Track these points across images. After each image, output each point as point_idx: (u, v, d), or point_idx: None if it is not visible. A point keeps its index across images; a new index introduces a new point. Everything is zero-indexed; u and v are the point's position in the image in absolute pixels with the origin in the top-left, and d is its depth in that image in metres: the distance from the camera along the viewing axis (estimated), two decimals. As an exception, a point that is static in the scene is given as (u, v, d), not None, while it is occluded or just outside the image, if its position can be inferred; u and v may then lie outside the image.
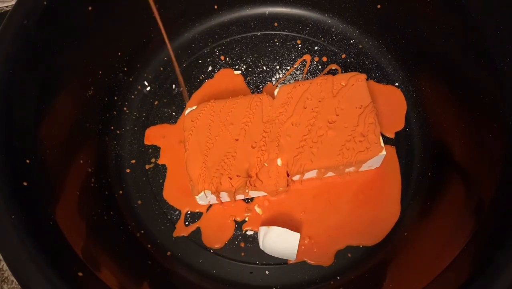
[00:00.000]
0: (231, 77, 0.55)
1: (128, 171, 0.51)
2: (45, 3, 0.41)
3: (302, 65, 0.55)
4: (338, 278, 0.45)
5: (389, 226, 0.46)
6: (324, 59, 0.55)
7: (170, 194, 0.49)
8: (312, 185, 0.48)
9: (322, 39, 0.57)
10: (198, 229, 0.47)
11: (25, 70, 0.39)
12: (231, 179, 0.44)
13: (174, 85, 0.55)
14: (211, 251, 0.46)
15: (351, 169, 0.47)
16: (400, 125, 0.51)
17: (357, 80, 0.47)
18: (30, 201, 0.35)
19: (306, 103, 0.47)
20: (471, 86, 0.43)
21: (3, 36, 0.39)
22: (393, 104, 0.52)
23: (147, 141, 0.52)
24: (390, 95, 0.53)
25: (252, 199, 0.48)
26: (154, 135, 0.52)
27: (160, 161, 0.51)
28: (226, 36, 0.58)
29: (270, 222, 0.47)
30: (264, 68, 0.55)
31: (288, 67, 0.55)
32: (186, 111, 0.47)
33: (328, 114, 0.46)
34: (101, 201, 0.46)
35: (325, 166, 0.45)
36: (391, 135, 0.51)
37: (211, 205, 0.48)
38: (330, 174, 0.47)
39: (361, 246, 0.46)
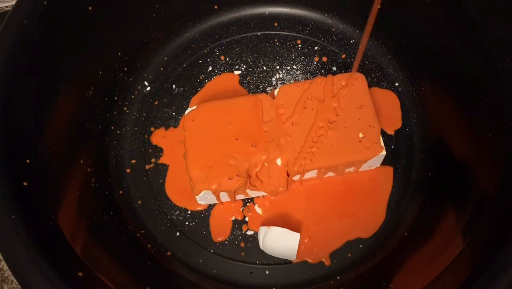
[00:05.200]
0: (231, 78, 0.55)
1: (128, 171, 0.51)
2: (45, 3, 0.41)
3: (302, 65, 0.55)
4: (338, 278, 0.45)
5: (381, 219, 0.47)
6: (324, 59, 0.55)
7: (171, 194, 0.49)
8: (312, 185, 0.48)
9: (322, 39, 0.57)
10: (198, 228, 0.47)
11: (25, 70, 0.39)
12: (231, 179, 0.44)
13: (174, 85, 0.55)
14: (211, 251, 0.46)
15: (351, 169, 0.47)
16: (398, 124, 0.51)
17: (357, 80, 0.47)
18: (30, 201, 0.35)
19: (306, 103, 0.47)
20: (471, 86, 0.43)
21: (3, 36, 0.39)
22: (388, 104, 0.52)
23: (152, 138, 0.52)
24: (385, 96, 0.53)
25: (252, 199, 0.48)
26: (156, 135, 0.52)
27: (161, 161, 0.51)
28: (226, 36, 0.58)
29: (270, 222, 0.47)
30: (264, 68, 0.55)
31: (288, 67, 0.55)
32: (187, 111, 0.48)
33: (328, 114, 0.46)
34: (101, 201, 0.46)
35: (325, 166, 0.45)
36: (391, 132, 0.51)
37: (211, 205, 0.48)
38: (330, 174, 0.47)
39: (361, 246, 0.46)
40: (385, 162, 0.48)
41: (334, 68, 0.55)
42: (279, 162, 0.45)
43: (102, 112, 0.51)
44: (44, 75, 0.41)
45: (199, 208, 0.48)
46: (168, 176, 0.50)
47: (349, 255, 0.46)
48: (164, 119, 0.53)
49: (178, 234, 0.47)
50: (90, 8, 0.46)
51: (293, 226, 0.46)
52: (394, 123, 0.52)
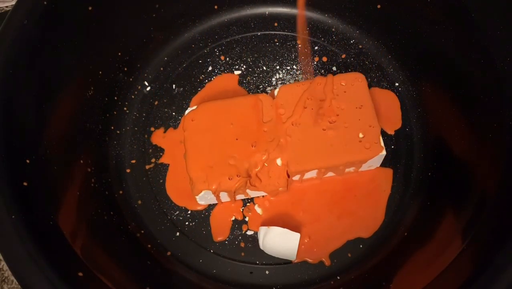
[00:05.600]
0: (231, 78, 0.55)
1: (128, 171, 0.51)
2: (45, 3, 0.41)
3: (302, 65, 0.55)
4: (338, 278, 0.45)
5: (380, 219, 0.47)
6: (324, 59, 0.55)
7: (171, 193, 0.49)
8: (312, 185, 0.48)
9: (322, 39, 0.57)
10: (198, 228, 0.47)
11: (25, 70, 0.39)
12: (231, 179, 0.44)
13: (174, 85, 0.55)
14: (211, 251, 0.46)
15: (351, 169, 0.47)
16: (398, 124, 0.51)
17: (357, 80, 0.47)
18: (30, 201, 0.35)
19: (306, 103, 0.47)
20: (471, 86, 0.43)
21: (3, 36, 0.39)
22: (388, 104, 0.52)
23: (152, 138, 0.52)
24: (385, 96, 0.53)
25: (252, 199, 0.48)
26: (156, 135, 0.52)
27: (161, 161, 0.51)
28: (226, 36, 0.58)
29: (270, 222, 0.47)
30: (264, 68, 0.55)
31: (288, 67, 0.55)
32: (187, 111, 0.48)
33: (328, 114, 0.46)
34: (101, 201, 0.46)
35: (325, 166, 0.45)
36: (391, 132, 0.51)
37: (211, 205, 0.48)
38: (330, 174, 0.47)
39: (361, 246, 0.46)
40: (385, 162, 0.48)
41: (334, 68, 0.55)
42: (279, 162, 0.45)
43: (102, 112, 0.51)
44: (44, 75, 0.41)
45: (199, 208, 0.48)
46: (168, 176, 0.50)
47: (349, 255, 0.46)
48: (164, 119, 0.53)
49: (178, 234, 0.47)
50: (90, 8, 0.46)
51: (293, 226, 0.46)
52: (394, 123, 0.52)
